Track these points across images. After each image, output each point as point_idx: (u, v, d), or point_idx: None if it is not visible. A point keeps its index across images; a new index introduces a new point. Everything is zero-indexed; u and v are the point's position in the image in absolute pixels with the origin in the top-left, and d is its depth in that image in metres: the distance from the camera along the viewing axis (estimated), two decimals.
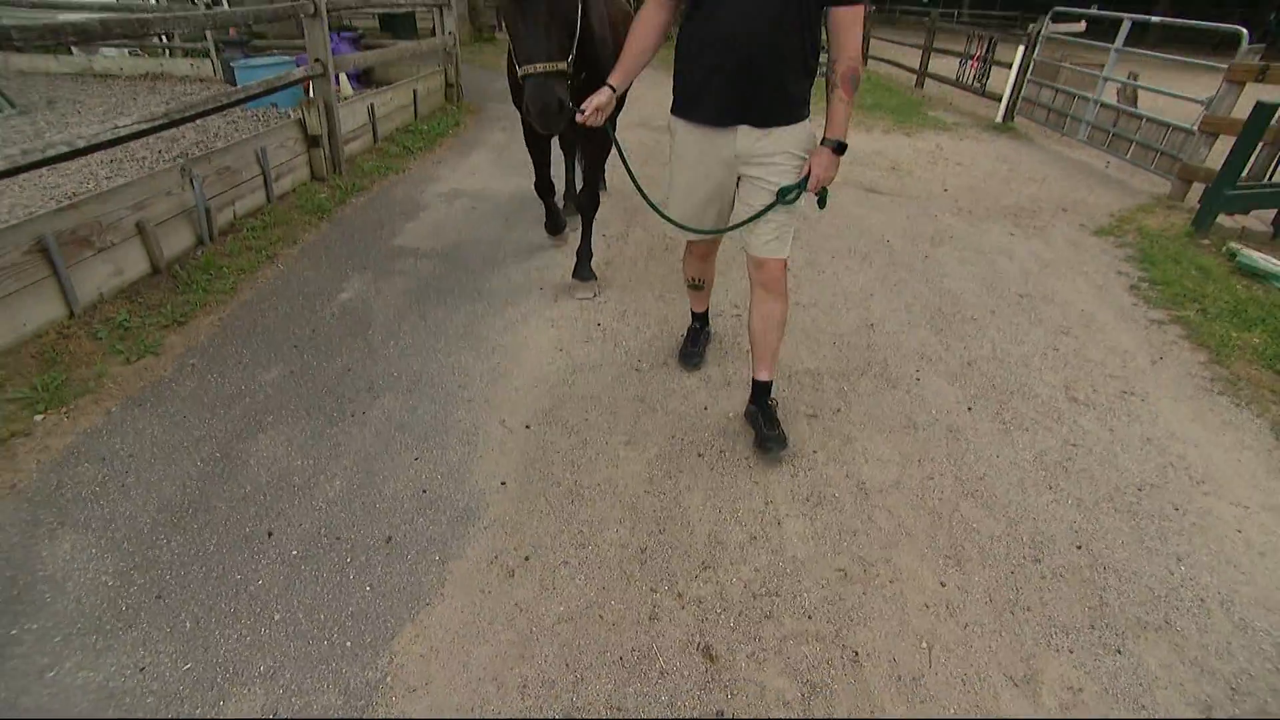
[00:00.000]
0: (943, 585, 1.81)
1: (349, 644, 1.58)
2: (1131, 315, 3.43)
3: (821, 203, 2.02)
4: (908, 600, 1.76)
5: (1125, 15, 6.28)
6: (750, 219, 2.04)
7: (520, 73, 2.02)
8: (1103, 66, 6.75)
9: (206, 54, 8.78)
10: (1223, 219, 4.61)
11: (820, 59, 1.94)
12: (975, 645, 1.65)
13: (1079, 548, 1.96)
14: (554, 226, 3.84)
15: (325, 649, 1.56)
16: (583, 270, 3.34)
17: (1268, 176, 4.76)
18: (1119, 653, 1.64)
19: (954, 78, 9.40)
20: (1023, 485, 2.19)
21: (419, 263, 3.64)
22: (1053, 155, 6.80)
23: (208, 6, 8.24)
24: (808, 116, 1.99)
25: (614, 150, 2.39)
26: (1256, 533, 2.04)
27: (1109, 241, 4.44)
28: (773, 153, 1.97)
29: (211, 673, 1.50)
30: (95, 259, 2.86)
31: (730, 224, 2.15)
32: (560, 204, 4.05)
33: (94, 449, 2.15)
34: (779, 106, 1.92)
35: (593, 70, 2.43)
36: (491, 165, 5.38)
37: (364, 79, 8.17)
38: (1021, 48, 7.72)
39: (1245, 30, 4.90)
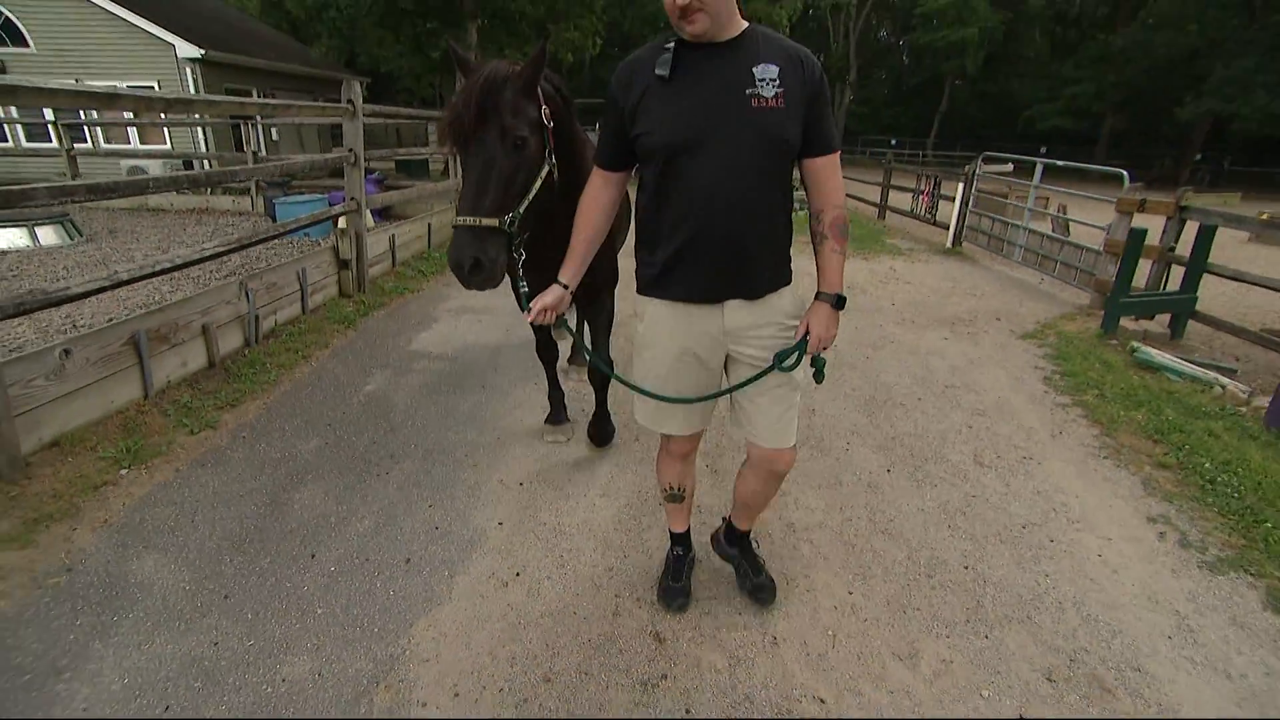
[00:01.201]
0: (850, 594, 2.26)
1: (376, 629, 2.01)
2: (1041, 400, 4.02)
3: (819, 375, 1.76)
4: (820, 603, 2.20)
5: (1038, 159, 7.42)
6: (742, 384, 1.77)
7: (453, 223, 1.76)
8: (1044, 200, 7.84)
9: (246, 191, 9.99)
10: (1131, 323, 5.34)
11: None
12: (871, 634, 2.08)
13: (966, 568, 2.42)
14: (555, 414, 3.26)
15: (358, 633, 2.00)
16: (603, 436, 3.18)
17: (1161, 287, 5.55)
18: (986, 638, 2.08)
19: (909, 210, 10.63)
20: (925, 525, 2.67)
21: (432, 363, 4.27)
22: (994, 274, 7.68)
23: (255, 156, 9.51)
24: (792, 279, 1.78)
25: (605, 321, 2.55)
26: (1113, 556, 2.51)
27: (1031, 343, 5.12)
28: (765, 324, 1.72)
29: (270, 646, 1.93)
30: (168, 353, 3.48)
31: (718, 393, 1.84)
32: (564, 368, 3.83)
33: (167, 496, 2.65)
34: (769, 272, 1.69)
35: (554, 237, 2.01)
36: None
37: (383, 212, 9.27)
38: (961, 184, 8.91)
39: (1126, 173, 5.90)
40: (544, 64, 1.84)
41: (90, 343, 2.98)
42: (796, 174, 1.72)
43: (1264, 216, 4.93)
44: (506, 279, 1.86)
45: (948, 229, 9.19)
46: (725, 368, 1.83)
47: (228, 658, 1.88)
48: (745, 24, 1.59)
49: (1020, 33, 33.44)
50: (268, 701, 1.75)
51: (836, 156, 1.68)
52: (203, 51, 11.92)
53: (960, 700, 1.84)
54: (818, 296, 1.71)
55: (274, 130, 13.71)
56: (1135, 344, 4.87)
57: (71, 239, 7.25)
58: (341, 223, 5.51)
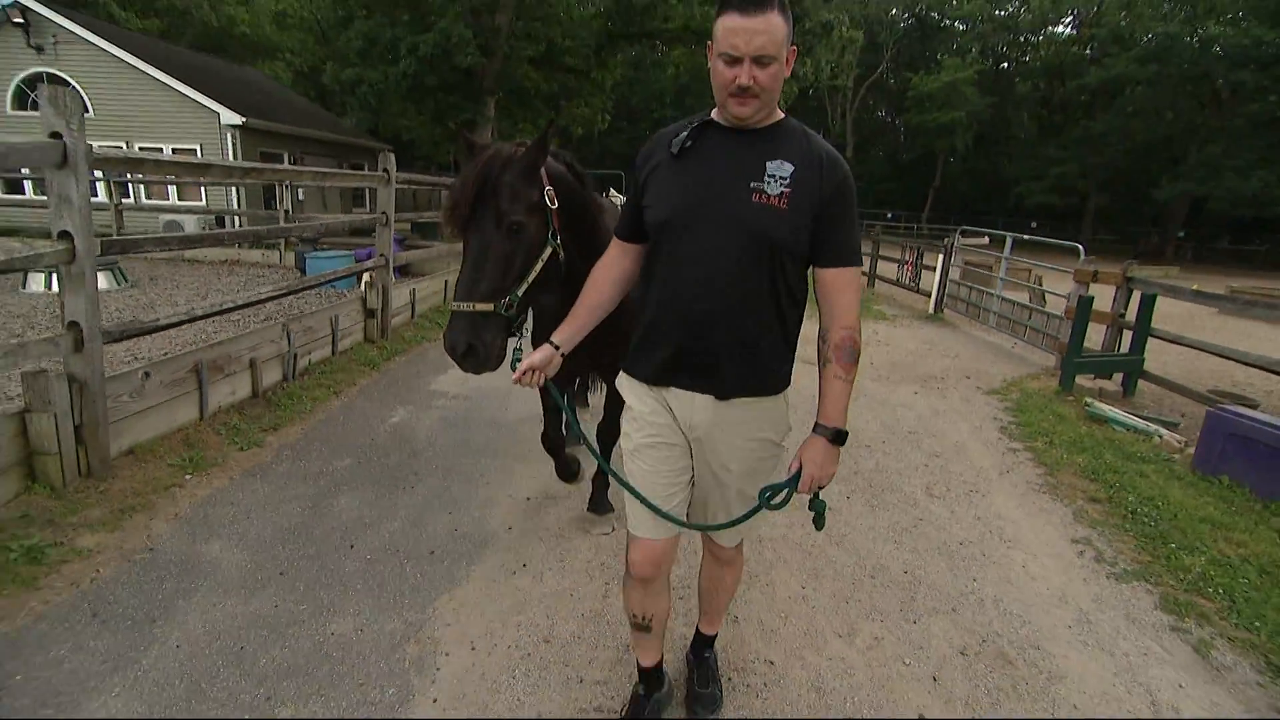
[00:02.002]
0: (802, 589, 2.67)
1: (406, 601, 2.43)
2: (995, 446, 4.48)
3: (819, 521, 1.54)
4: (776, 594, 2.62)
5: (1007, 234, 8.09)
6: (723, 525, 1.67)
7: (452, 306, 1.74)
8: (1026, 272, 8.47)
9: (274, 246, 10.72)
10: (1090, 382, 5.84)
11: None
12: (817, 617, 2.49)
13: (905, 573, 2.83)
14: (566, 473, 3.11)
15: (391, 603, 2.42)
16: (599, 502, 3.13)
17: (1115, 348, 6.07)
18: (914, 623, 2.48)
19: (894, 279, 11.31)
20: (874, 540, 3.10)
21: (449, 401, 4.75)
22: (971, 338, 8.24)
23: (287, 215, 10.29)
24: (782, 392, 1.64)
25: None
26: (1035, 568, 2.93)
27: (994, 398, 5.61)
28: (733, 431, 1.59)
29: (320, 610, 2.35)
30: (222, 381, 3.98)
31: (694, 522, 1.75)
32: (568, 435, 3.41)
33: (225, 498, 3.10)
34: (747, 376, 1.55)
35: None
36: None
37: (402, 270, 9.95)
38: (941, 255, 9.59)
39: (1081, 246, 6.52)
40: (547, 147, 1.83)
41: (164, 368, 3.49)
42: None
43: (1196, 287, 5.49)
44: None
45: (929, 296, 9.83)
46: (693, 464, 1.68)
47: (286, 617, 2.30)
48: (781, 115, 1.53)
49: (1009, 115, 35.36)
50: (320, 648, 2.17)
51: (853, 272, 1.53)
52: (244, 119, 12.97)
53: (885, 666, 2.25)
54: (815, 429, 1.53)
55: (300, 190, 14.63)
56: (1088, 399, 5.35)
57: (119, 284, 7.89)
58: (366, 276, 6.11)
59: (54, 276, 7.47)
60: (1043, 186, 31.22)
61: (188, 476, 3.23)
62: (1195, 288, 5.43)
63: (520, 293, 1.78)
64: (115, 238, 3.17)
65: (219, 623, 2.25)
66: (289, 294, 4.46)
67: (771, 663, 2.23)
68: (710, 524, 1.71)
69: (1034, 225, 30.67)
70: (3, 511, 2.63)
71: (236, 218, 12.99)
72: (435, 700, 1.98)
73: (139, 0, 23.93)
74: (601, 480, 3.13)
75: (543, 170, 1.85)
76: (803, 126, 1.54)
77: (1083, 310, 5.54)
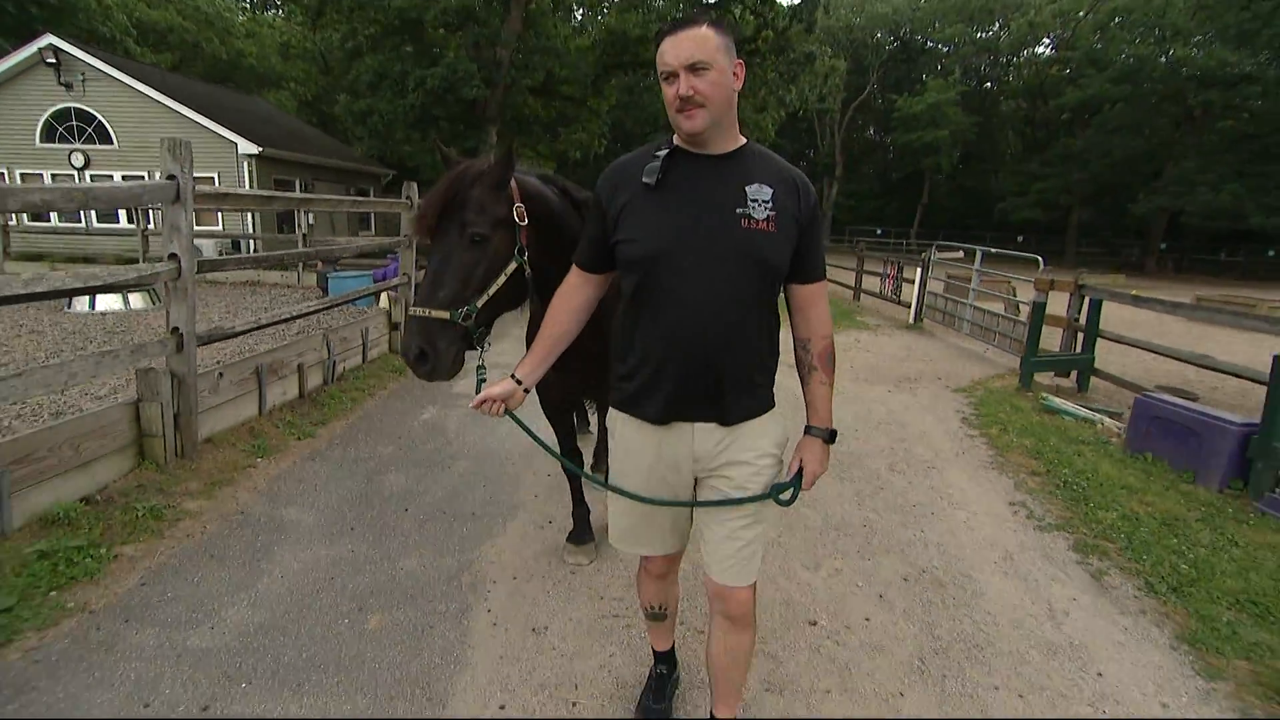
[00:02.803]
0: (778, 537, 3.25)
1: (456, 546, 3.01)
2: (954, 432, 5.07)
3: (792, 498, 1.63)
4: None
5: (977, 247, 8.76)
6: (731, 501, 1.61)
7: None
8: (1004, 283, 9.12)
9: (293, 267, 11.35)
10: (1049, 379, 6.45)
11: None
12: (789, 555, 3.07)
13: (864, 525, 3.42)
14: (578, 534, 2.98)
15: (446, 548, 2.99)
16: (580, 533, 2.98)
17: (1072, 349, 6.69)
18: (868, 560, 3.06)
19: (878, 291, 11.98)
20: (841, 503, 3.68)
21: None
22: (947, 344, 8.86)
23: (305, 239, 10.93)
24: (774, 405, 1.67)
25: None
26: (975, 522, 3.51)
27: (960, 395, 6.21)
28: (741, 454, 1.61)
29: (389, 553, 2.92)
30: (276, 383, 4.56)
31: (694, 502, 1.69)
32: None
33: (292, 475, 3.67)
34: (745, 398, 1.59)
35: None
36: (518, 348, 7.34)
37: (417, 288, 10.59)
38: (919, 269, 10.26)
39: (1041, 258, 7.17)
40: (512, 164, 1.83)
41: (235, 370, 4.08)
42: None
43: (1135, 293, 6.12)
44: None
45: (910, 307, 10.48)
46: (695, 493, 1.68)
47: (361, 558, 2.87)
48: (743, 140, 1.55)
49: (994, 132, 36.43)
50: (394, 579, 2.73)
51: (825, 285, 1.65)
52: (260, 149, 13.68)
53: (842, 588, 2.82)
54: (809, 431, 1.65)
55: (311, 215, 15.31)
56: (1044, 394, 5.96)
57: (154, 304, 8.49)
58: (388, 292, 6.72)
59: (96, 298, 8.09)
60: (1027, 202, 32.12)
61: (258, 460, 3.80)
62: (1134, 293, 6.07)
63: (479, 304, 1.76)
64: (206, 258, 3.76)
65: (309, 562, 2.82)
66: (329, 307, 5.08)
67: None
68: (716, 500, 1.62)
69: (1020, 240, 31.56)
70: (124, 481, 3.21)
71: (252, 241, 13.62)
72: (490, 610, 2.55)
73: (152, 35, 24.81)
74: (581, 511, 3.01)
75: (514, 187, 1.85)
76: (761, 147, 1.59)
77: (1037, 314, 6.17)
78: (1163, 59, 25.65)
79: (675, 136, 1.55)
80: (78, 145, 14.07)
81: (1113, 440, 4.93)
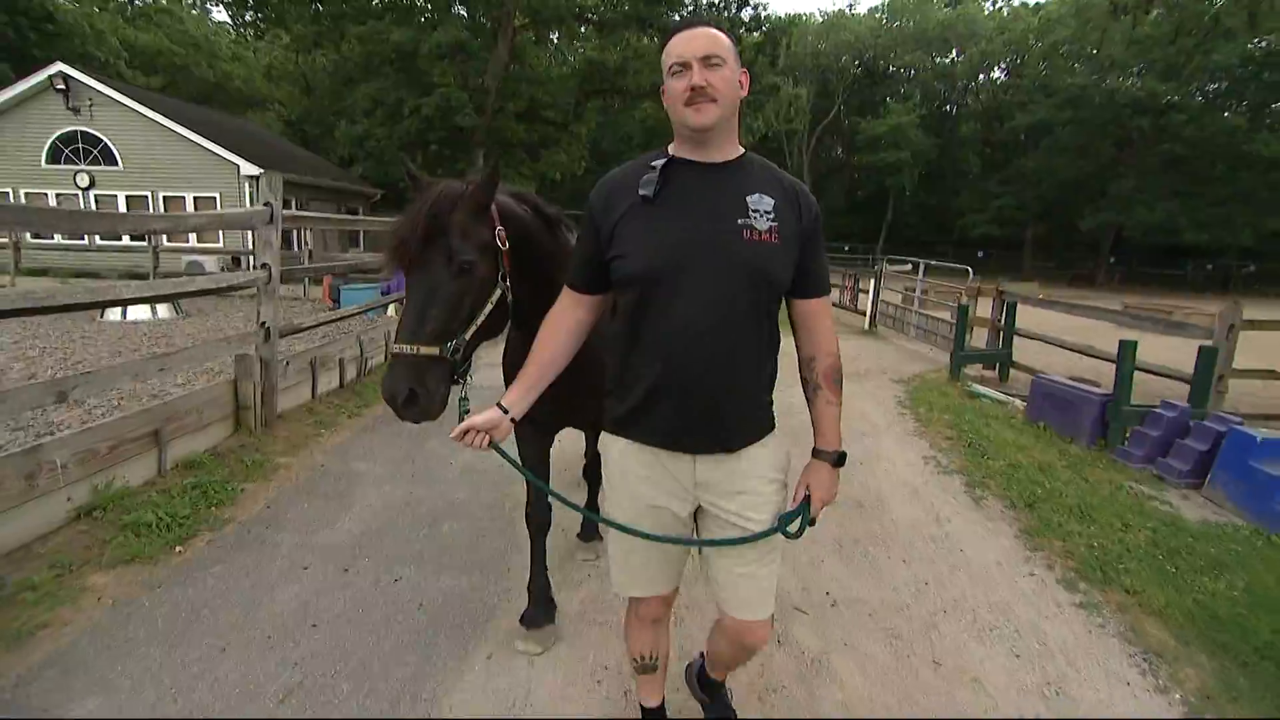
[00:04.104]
0: None
1: (496, 486, 3.92)
2: (889, 412, 6.11)
3: (801, 529, 1.57)
4: None
5: (919, 260, 9.93)
6: (737, 541, 1.54)
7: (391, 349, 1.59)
8: (957, 293, 10.30)
9: (301, 280, 12.12)
10: (977, 371, 7.55)
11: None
12: None
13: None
14: (532, 611, 2.50)
15: (486, 487, 3.89)
16: (533, 615, 2.48)
17: (999, 345, 7.81)
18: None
19: (836, 301, 13.16)
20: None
21: (483, 391, 6.25)
22: (897, 347, 9.98)
23: (310, 255, 11.73)
24: (775, 426, 1.61)
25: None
26: (894, 470, 4.51)
27: (900, 385, 7.28)
28: (745, 480, 1.53)
29: (443, 491, 3.82)
30: (324, 373, 5.44)
31: (698, 541, 1.62)
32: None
33: (354, 441, 4.55)
34: (750, 421, 1.53)
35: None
36: (491, 374, 8.29)
37: None
38: (873, 280, 11.42)
39: (970, 269, 8.32)
40: (495, 186, 1.70)
41: (297, 359, 4.95)
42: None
43: (1042, 296, 7.28)
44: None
45: (864, 314, 11.64)
46: (695, 519, 1.60)
47: (422, 494, 3.77)
48: (742, 149, 1.50)
49: (954, 152, 38.46)
50: (450, 505, 3.63)
51: (829, 300, 1.59)
52: (261, 170, 14.45)
53: None
54: (816, 454, 1.59)
55: (308, 233, 16.09)
56: (970, 383, 7.06)
57: (178, 314, 9.24)
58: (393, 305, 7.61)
59: (127, 309, 8.83)
60: (986, 218, 34.01)
61: (322, 431, 4.68)
62: (1041, 296, 7.22)
63: (467, 336, 1.63)
64: (284, 268, 4.65)
65: (384, 496, 3.72)
66: (353, 314, 5.99)
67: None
68: (721, 539, 1.55)
69: (980, 254, 33.36)
70: (228, 442, 4.07)
71: (253, 257, 14.36)
72: None
73: (140, 58, 25.44)
74: (541, 584, 2.54)
75: (493, 209, 1.72)
76: (760, 157, 1.53)
77: (962, 316, 7.29)
78: (1102, 87, 27.67)
79: (672, 146, 1.50)
80: (83, 166, 14.72)
81: (1017, 416, 6.01)
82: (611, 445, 1.60)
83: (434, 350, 1.55)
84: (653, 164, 1.46)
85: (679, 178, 1.45)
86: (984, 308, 8.40)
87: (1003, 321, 7.58)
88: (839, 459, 1.59)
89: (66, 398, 2.80)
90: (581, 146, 21.72)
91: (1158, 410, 4.80)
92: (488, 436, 1.53)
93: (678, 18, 16.07)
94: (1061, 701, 2.26)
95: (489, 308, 1.70)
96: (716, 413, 1.47)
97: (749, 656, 1.79)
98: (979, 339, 8.41)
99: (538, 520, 2.53)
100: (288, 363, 4.80)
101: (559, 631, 2.50)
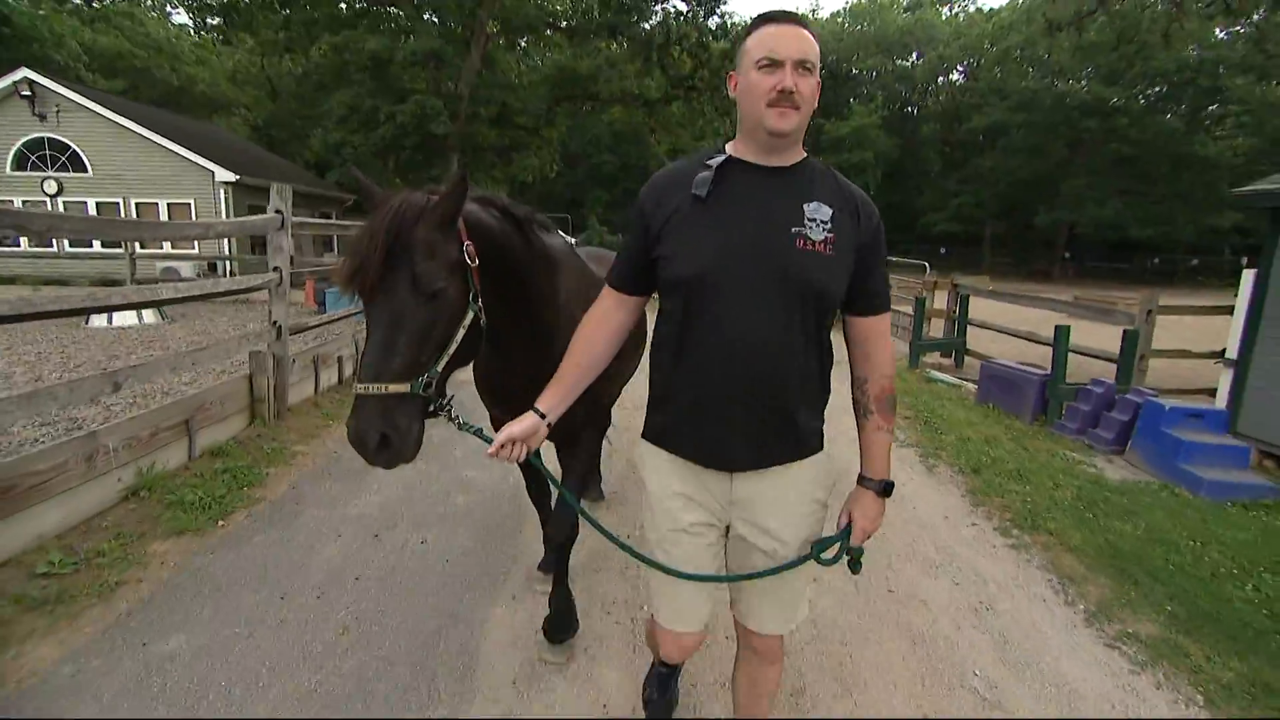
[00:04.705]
0: None
1: (500, 465, 4.30)
2: (849, 396, 6.62)
3: (855, 565, 1.49)
4: None
5: None
6: (769, 572, 1.48)
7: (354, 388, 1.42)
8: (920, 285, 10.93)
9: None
10: (936, 359, 8.13)
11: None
12: None
13: None
14: (560, 625, 2.41)
15: (489, 466, 4.27)
16: (558, 627, 2.38)
17: (954, 335, 8.42)
18: None
19: None
20: None
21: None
22: None
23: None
24: (824, 447, 1.54)
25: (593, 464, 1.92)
26: (851, 444, 5.01)
27: None
28: (783, 499, 1.47)
29: (452, 471, 4.18)
30: (324, 370, 5.74)
31: (736, 576, 1.55)
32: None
33: None
34: (794, 441, 1.46)
35: (515, 366, 2.01)
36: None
37: None
38: None
39: (927, 264, 8.91)
40: (464, 195, 1.51)
41: (300, 357, 5.26)
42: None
43: (990, 288, 7.90)
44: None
45: None
46: (727, 537, 1.55)
47: (436, 473, 4.13)
48: (804, 153, 1.42)
49: (916, 152, 39.63)
50: (462, 481, 4.00)
51: (888, 319, 1.51)
52: (238, 177, 14.51)
53: None
54: (862, 482, 1.52)
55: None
56: (928, 369, 7.63)
57: (163, 319, 9.37)
58: None
59: (112, 316, 8.95)
60: (945, 216, 35.16)
61: (330, 422, 5.00)
62: (990, 288, 7.83)
63: (439, 369, 1.50)
64: (293, 270, 4.95)
65: (400, 475, 4.06)
66: (340, 319, 6.29)
67: None
68: (754, 573, 1.50)
69: (943, 251, 34.47)
70: (246, 432, 4.37)
71: (229, 263, 14.40)
72: None
73: (100, 61, 25.01)
74: (561, 601, 2.39)
75: (460, 221, 1.53)
76: (827, 165, 1.45)
77: (920, 308, 7.86)
78: (1053, 91, 28.95)
79: (730, 144, 1.43)
80: (50, 173, 14.58)
81: (969, 398, 6.58)
82: (649, 457, 1.52)
83: (403, 388, 1.40)
84: (708, 162, 1.39)
85: (735, 179, 1.38)
86: (941, 301, 9.02)
87: (957, 312, 8.18)
88: (886, 489, 1.49)
89: (120, 387, 3.10)
90: (553, 150, 22.04)
91: (1088, 387, 5.38)
92: (524, 447, 1.44)
93: (647, 26, 16.61)
94: (990, 616, 2.74)
95: (460, 334, 1.57)
96: (758, 429, 1.40)
97: (771, 678, 1.67)
98: (937, 329, 9.04)
99: (535, 498, 2.66)
100: (294, 360, 5.10)
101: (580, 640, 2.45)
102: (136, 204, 14.52)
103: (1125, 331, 5.55)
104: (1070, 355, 5.67)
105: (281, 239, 4.54)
